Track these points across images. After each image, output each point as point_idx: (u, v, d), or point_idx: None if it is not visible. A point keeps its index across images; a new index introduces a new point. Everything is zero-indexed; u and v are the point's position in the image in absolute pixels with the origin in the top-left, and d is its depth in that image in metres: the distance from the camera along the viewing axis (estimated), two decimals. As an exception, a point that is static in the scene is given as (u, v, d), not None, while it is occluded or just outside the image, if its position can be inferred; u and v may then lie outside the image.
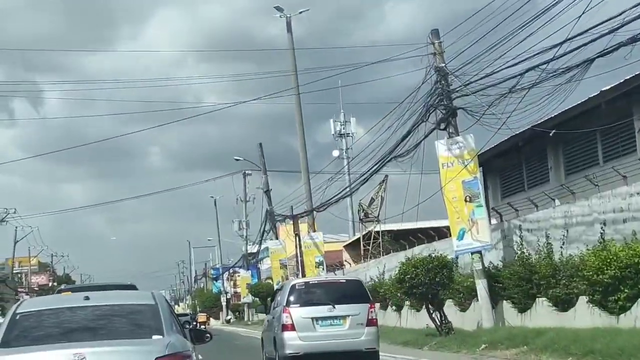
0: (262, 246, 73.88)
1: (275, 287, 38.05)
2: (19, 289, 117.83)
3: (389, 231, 52.00)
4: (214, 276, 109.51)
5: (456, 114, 24.77)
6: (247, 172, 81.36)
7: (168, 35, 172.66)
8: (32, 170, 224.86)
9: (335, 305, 18.62)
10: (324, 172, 50.73)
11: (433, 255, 26.59)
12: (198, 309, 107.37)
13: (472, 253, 25.21)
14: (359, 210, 52.52)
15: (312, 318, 18.56)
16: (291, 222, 52.48)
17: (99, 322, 8.12)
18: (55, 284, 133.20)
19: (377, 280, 38.87)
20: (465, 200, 24.92)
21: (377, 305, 27.49)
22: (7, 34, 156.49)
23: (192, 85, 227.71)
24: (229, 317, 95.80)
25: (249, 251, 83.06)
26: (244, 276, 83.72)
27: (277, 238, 55.88)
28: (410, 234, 44.16)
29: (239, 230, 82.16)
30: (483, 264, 25.11)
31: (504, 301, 24.85)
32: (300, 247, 52.62)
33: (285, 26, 45.46)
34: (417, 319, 32.13)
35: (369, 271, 42.59)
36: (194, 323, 70.69)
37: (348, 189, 40.75)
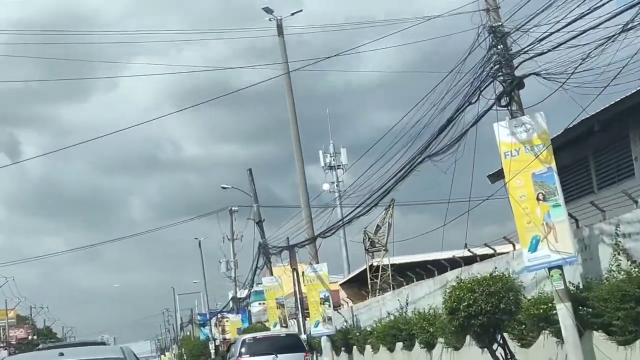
0: (255, 286, 67.48)
1: (235, 338, 38.68)
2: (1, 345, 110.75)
3: (396, 264, 45.69)
4: (201, 322, 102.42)
5: (522, 84, 18.42)
6: (233, 208, 75.15)
7: (145, 84, 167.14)
8: (10, 224, 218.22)
9: (278, 355, 22.85)
10: (315, 206, 44.42)
11: (495, 274, 20.07)
12: (185, 358, 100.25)
13: (549, 268, 18.66)
14: (364, 239, 46.15)
15: None
16: (285, 262, 46.20)
17: None
18: (35, 337, 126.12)
19: (397, 314, 32.36)
20: (538, 199, 18.47)
21: (400, 344, 26.74)
22: None
23: (170, 133, 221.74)
24: None
25: (238, 295, 76.42)
26: (234, 320, 76.98)
27: (271, 274, 49.22)
28: (418, 266, 38.28)
29: (227, 271, 75.63)
30: (565, 283, 18.59)
31: (595, 332, 18.35)
32: (298, 283, 46.03)
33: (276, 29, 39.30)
34: (458, 358, 25.70)
35: (385, 306, 36.05)
36: None
37: (355, 211, 34.24)
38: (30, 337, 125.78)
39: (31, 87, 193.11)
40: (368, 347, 36.58)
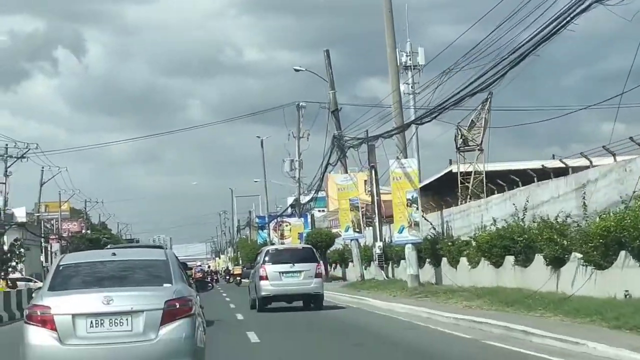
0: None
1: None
2: (51, 237, 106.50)
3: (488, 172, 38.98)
4: (259, 225, 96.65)
5: None
6: (301, 104, 68.49)
7: None
8: (74, 122, 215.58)
9: (295, 264, 27.44)
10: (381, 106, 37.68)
11: None
12: (240, 262, 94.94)
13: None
14: (455, 137, 39.12)
15: (279, 272, 27.25)
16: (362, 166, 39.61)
17: (123, 273, 10.48)
18: (89, 231, 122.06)
19: (509, 221, 25.56)
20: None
21: (510, 258, 25.44)
22: None
23: (232, 37, 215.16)
24: None
25: (301, 199, 70.30)
26: (295, 225, 70.89)
27: (346, 171, 42.55)
28: (501, 176, 32.88)
29: (291, 170, 69.01)
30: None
31: None
32: (377, 182, 39.41)
33: None
34: (602, 281, 18.96)
35: (489, 211, 29.34)
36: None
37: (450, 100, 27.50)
38: (84, 231, 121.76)
39: None
40: (463, 260, 30.07)
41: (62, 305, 9.75)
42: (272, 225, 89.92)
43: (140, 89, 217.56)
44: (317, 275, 27.48)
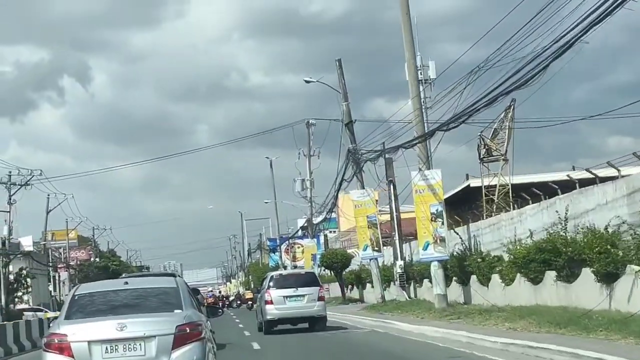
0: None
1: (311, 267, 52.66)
2: (59, 266, 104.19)
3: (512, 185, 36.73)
4: (271, 248, 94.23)
5: None
6: (311, 121, 66.30)
7: (214, 13, 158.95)
8: (81, 150, 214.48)
9: (298, 288, 28.53)
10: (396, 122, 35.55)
11: None
12: (252, 285, 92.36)
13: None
14: (478, 146, 36.71)
15: (284, 296, 28.34)
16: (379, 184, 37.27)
17: (135, 301, 10.91)
18: (97, 259, 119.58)
19: (549, 233, 23.12)
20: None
21: (551, 273, 23.05)
22: (54, 12, 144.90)
23: (237, 62, 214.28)
24: None
25: (313, 220, 67.88)
26: (308, 246, 68.60)
27: (362, 187, 40.18)
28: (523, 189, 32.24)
29: (302, 190, 66.59)
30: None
31: None
32: (395, 197, 37.07)
33: None
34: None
35: (524, 222, 26.93)
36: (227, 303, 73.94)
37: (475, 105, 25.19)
38: (92, 259, 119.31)
39: (99, 13, 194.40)
40: (495, 278, 27.66)
41: (78, 332, 10.19)
42: (283, 247, 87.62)
43: (146, 115, 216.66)
44: (320, 298, 28.69)
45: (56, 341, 10.23)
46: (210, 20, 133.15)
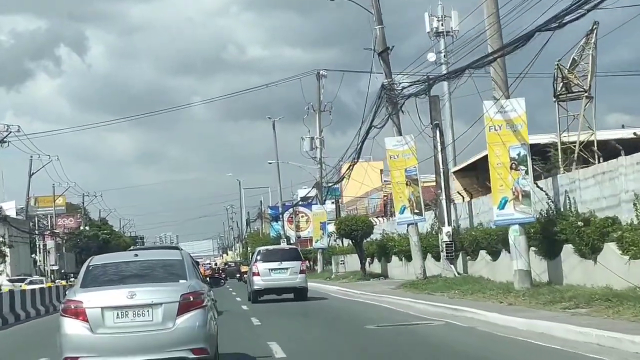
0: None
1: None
2: (45, 233, 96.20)
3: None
4: (272, 216, 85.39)
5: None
6: (322, 72, 57.93)
7: None
8: (76, 120, 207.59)
9: (282, 262, 30.99)
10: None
11: None
12: (250, 257, 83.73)
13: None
14: (554, 80, 28.01)
15: (269, 269, 30.80)
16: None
17: (144, 271, 11.84)
18: (87, 227, 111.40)
19: None
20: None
21: None
22: None
23: (235, 34, 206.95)
24: None
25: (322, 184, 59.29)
26: (317, 213, 59.78)
27: (400, 133, 31.47)
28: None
29: (311, 150, 57.82)
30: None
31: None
32: (443, 146, 28.54)
33: None
34: None
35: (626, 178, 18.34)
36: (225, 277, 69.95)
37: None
38: (82, 227, 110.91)
39: None
40: (610, 249, 19.01)
41: (92, 299, 11.17)
42: (286, 216, 79.10)
43: (143, 88, 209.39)
44: (302, 271, 31.06)
45: (72, 307, 11.14)
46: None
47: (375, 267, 45.45)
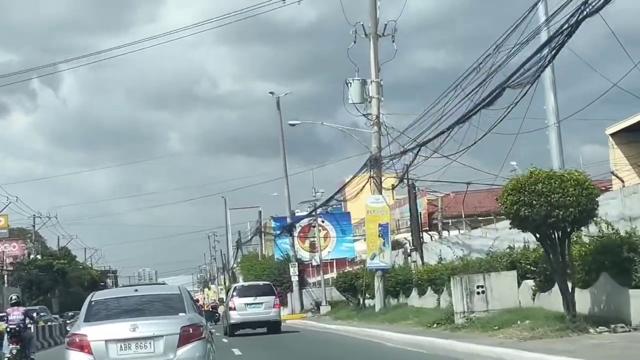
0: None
1: None
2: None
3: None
4: (277, 229, 61.48)
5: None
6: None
7: (185, 17, 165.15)
8: (50, 155, 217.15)
9: (257, 297, 34.40)
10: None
11: None
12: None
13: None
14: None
15: (245, 304, 34.16)
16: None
17: (145, 305, 12.96)
18: (38, 256, 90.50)
19: None
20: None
21: None
22: (24, 16, 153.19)
23: (208, 69, 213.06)
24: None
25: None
26: (374, 207, 37.03)
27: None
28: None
29: (363, 102, 34.17)
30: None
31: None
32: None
33: None
34: None
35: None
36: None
37: None
38: (32, 256, 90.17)
39: (70, 19, 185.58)
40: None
41: (96, 333, 12.34)
42: (297, 231, 55.94)
43: (118, 122, 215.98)
44: (275, 305, 35.19)
45: (77, 340, 12.21)
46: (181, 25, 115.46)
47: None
